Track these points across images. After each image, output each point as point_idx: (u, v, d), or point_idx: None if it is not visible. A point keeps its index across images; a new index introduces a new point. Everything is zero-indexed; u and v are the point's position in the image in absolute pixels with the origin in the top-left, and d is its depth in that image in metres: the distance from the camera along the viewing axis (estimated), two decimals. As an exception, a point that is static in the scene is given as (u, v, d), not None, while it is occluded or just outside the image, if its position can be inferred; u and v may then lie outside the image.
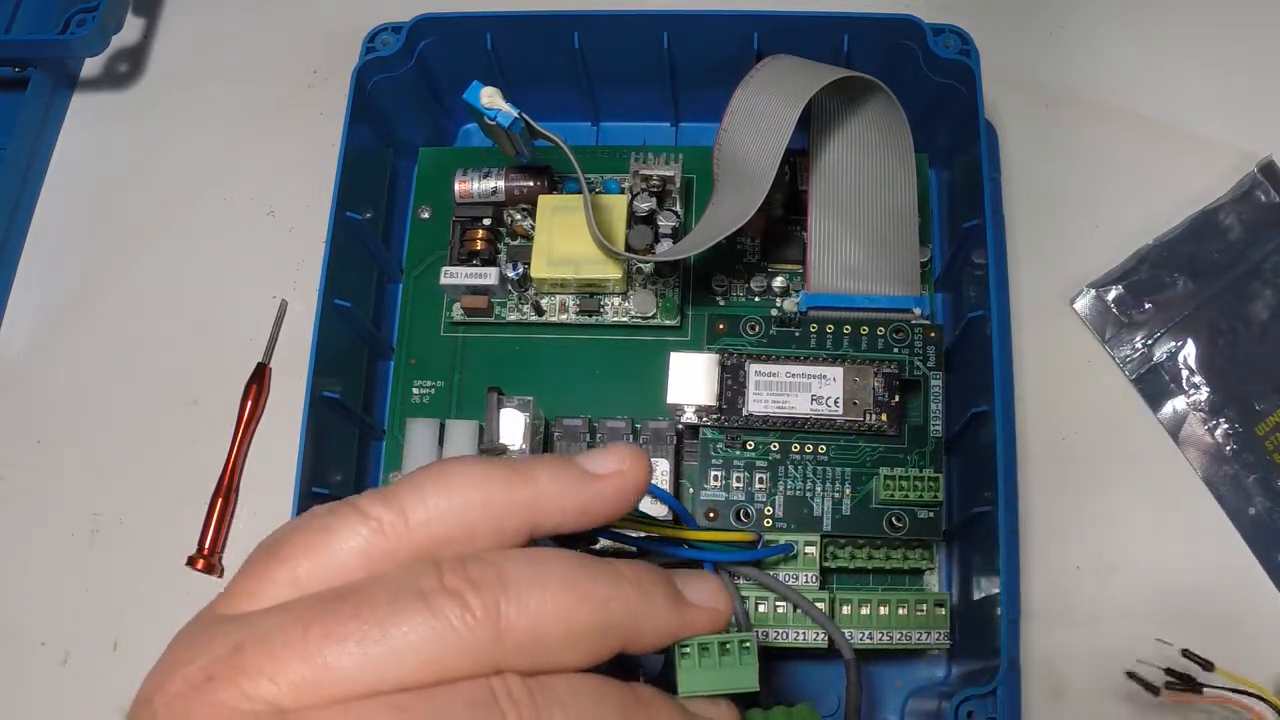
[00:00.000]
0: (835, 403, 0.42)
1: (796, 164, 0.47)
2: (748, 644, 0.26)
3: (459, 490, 0.25)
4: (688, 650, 0.26)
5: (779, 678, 0.43)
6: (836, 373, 0.43)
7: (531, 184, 0.47)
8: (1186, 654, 0.42)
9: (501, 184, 0.48)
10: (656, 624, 0.25)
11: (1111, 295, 0.50)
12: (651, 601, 0.25)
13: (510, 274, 0.47)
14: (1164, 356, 0.49)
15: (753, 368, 0.43)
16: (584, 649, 0.24)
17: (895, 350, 0.43)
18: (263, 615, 0.23)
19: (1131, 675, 0.43)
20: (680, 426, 0.44)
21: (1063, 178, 0.52)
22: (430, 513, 0.24)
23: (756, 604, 0.39)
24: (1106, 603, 0.45)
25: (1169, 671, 0.42)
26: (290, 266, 0.53)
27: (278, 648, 0.22)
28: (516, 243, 0.48)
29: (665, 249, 0.46)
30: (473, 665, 0.23)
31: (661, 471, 0.43)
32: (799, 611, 0.38)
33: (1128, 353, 0.49)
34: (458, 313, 0.47)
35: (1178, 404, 0.48)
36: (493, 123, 0.42)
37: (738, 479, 0.42)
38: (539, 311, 0.47)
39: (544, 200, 0.47)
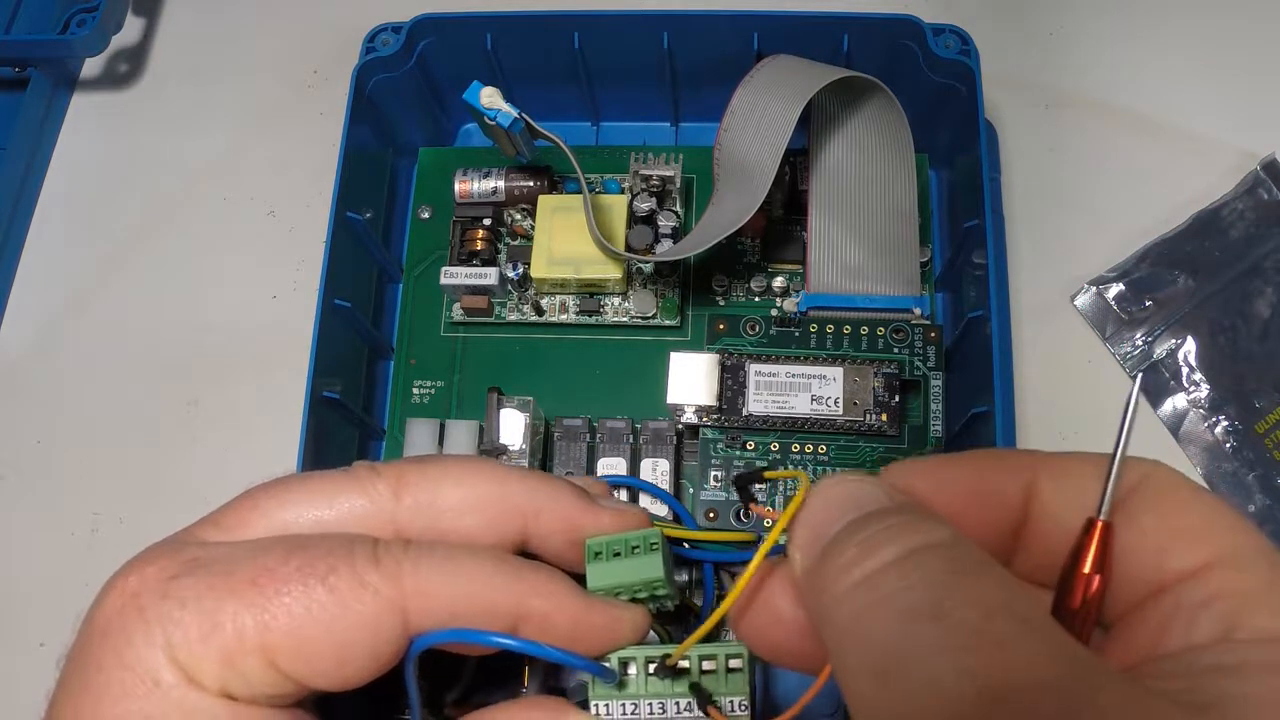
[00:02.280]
0: (835, 403, 0.42)
1: (796, 164, 0.47)
2: (654, 541, 0.27)
3: (468, 489, 0.27)
4: (599, 552, 0.27)
5: (779, 676, 0.43)
6: (836, 373, 0.43)
7: (531, 184, 0.47)
8: None
9: (501, 184, 0.48)
10: (558, 508, 0.27)
11: (1112, 293, 0.50)
12: (552, 486, 0.27)
13: (510, 274, 0.47)
14: (1164, 354, 0.49)
15: (753, 368, 0.43)
16: (482, 516, 0.26)
17: (895, 350, 0.43)
18: (220, 549, 0.24)
19: None
20: (680, 426, 0.44)
21: (1063, 178, 0.52)
22: (427, 507, 0.26)
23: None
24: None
25: None
26: (290, 266, 0.53)
27: (204, 589, 0.23)
28: (516, 243, 0.48)
29: (665, 249, 0.46)
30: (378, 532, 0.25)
31: (661, 472, 0.43)
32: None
33: (1128, 350, 0.49)
34: (458, 313, 0.47)
35: (1178, 401, 0.48)
36: (493, 123, 0.42)
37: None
38: (539, 311, 0.47)
39: (544, 200, 0.47)
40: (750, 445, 0.43)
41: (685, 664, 0.27)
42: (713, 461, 0.43)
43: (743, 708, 0.27)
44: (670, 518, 0.41)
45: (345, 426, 0.46)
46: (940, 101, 0.47)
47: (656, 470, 0.43)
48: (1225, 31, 0.55)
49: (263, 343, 0.52)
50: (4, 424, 0.52)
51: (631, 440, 0.44)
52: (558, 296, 0.47)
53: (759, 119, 0.43)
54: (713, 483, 0.43)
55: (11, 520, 0.50)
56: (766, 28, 0.46)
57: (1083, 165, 0.53)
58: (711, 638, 0.27)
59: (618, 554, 0.27)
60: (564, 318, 0.47)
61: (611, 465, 0.43)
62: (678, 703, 0.27)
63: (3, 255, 0.54)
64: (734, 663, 0.27)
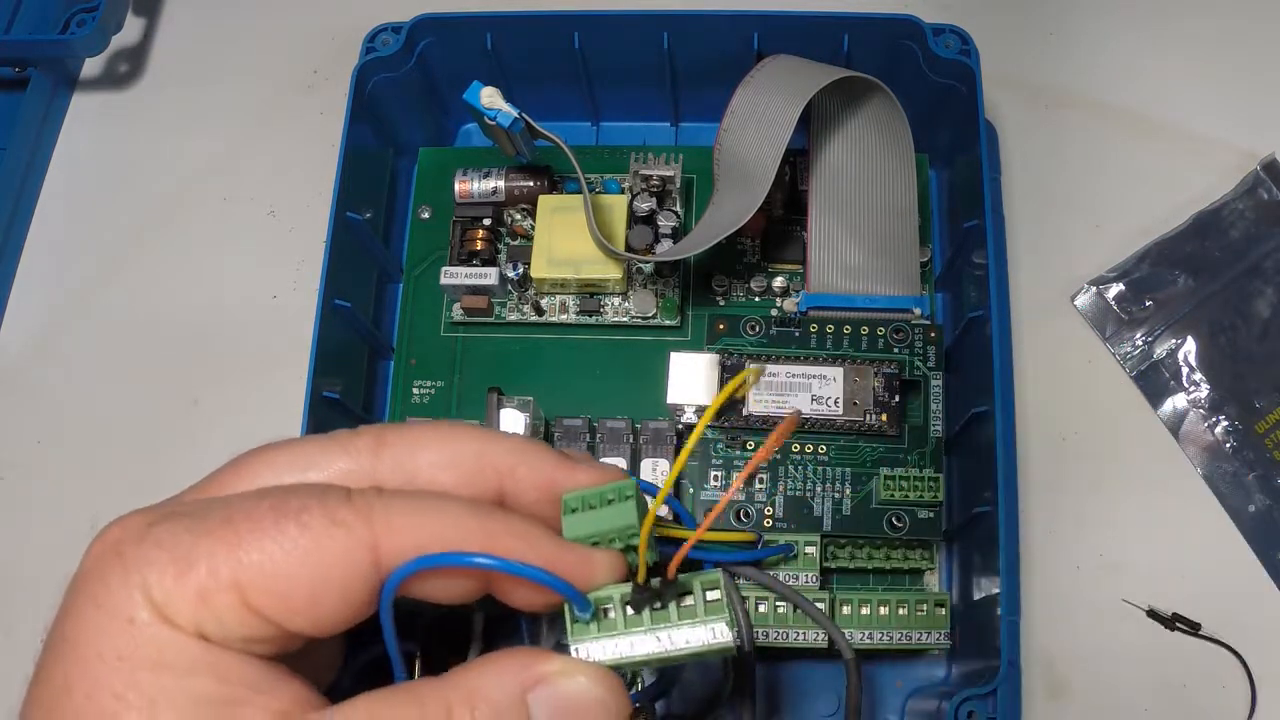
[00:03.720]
0: (835, 403, 0.42)
1: (796, 164, 0.47)
2: (629, 492, 0.27)
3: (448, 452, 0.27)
4: (575, 507, 0.27)
5: (779, 677, 0.43)
6: (836, 373, 0.43)
7: (531, 184, 0.47)
8: (1177, 616, 0.45)
9: (501, 184, 0.48)
10: (534, 464, 0.27)
11: (1112, 293, 0.50)
12: (529, 446, 0.28)
13: (510, 274, 0.47)
14: (1164, 354, 0.49)
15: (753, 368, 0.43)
16: (459, 472, 0.27)
17: (895, 350, 0.43)
18: (200, 500, 0.25)
19: (1151, 613, 0.45)
20: (680, 426, 0.44)
21: (1063, 178, 0.52)
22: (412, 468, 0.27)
23: (757, 604, 0.39)
24: (1106, 602, 0.45)
25: (1176, 615, 0.45)
26: (290, 266, 0.53)
27: (181, 530, 0.24)
28: (516, 243, 0.48)
29: (665, 249, 0.46)
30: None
31: (661, 471, 0.43)
32: (799, 611, 0.38)
33: (1128, 350, 0.49)
34: (458, 313, 0.47)
35: (1178, 401, 0.48)
36: (493, 123, 0.42)
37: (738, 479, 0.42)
38: (539, 311, 0.47)
39: (544, 200, 0.47)
40: (750, 445, 0.43)
41: (659, 585, 0.27)
42: (713, 461, 0.43)
43: (722, 633, 0.27)
44: (670, 518, 0.41)
45: (345, 426, 0.46)
46: (940, 101, 0.47)
47: (656, 470, 0.43)
48: (1225, 31, 0.55)
49: (263, 343, 0.52)
50: (4, 424, 0.52)
51: (631, 440, 0.44)
52: (558, 296, 0.47)
53: (759, 119, 0.43)
54: (713, 483, 0.43)
55: (12, 520, 0.50)
56: (766, 28, 0.46)
57: (1083, 165, 0.53)
58: (686, 569, 0.27)
59: (593, 507, 0.27)
60: (564, 318, 0.47)
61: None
62: (658, 636, 0.27)
63: (3, 255, 0.54)
64: (711, 594, 0.27)
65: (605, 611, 0.27)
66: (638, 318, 0.47)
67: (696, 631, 0.26)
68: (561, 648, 0.30)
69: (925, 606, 0.40)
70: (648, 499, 0.29)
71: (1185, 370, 0.49)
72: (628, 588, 0.27)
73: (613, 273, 0.45)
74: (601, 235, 0.44)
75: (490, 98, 0.42)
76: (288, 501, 0.24)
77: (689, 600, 0.27)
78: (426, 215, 0.50)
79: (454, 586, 0.26)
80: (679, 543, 0.35)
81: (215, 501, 0.25)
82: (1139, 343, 0.49)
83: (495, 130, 0.43)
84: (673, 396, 0.42)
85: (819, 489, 0.42)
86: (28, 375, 0.53)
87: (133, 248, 0.55)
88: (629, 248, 0.46)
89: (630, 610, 0.27)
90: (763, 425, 0.42)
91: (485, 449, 0.27)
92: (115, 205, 0.56)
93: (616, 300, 0.47)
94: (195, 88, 0.58)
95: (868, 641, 0.40)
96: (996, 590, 0.38)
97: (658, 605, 0.27)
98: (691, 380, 0.42)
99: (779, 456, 0.43)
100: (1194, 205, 0.51)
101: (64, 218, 0.56)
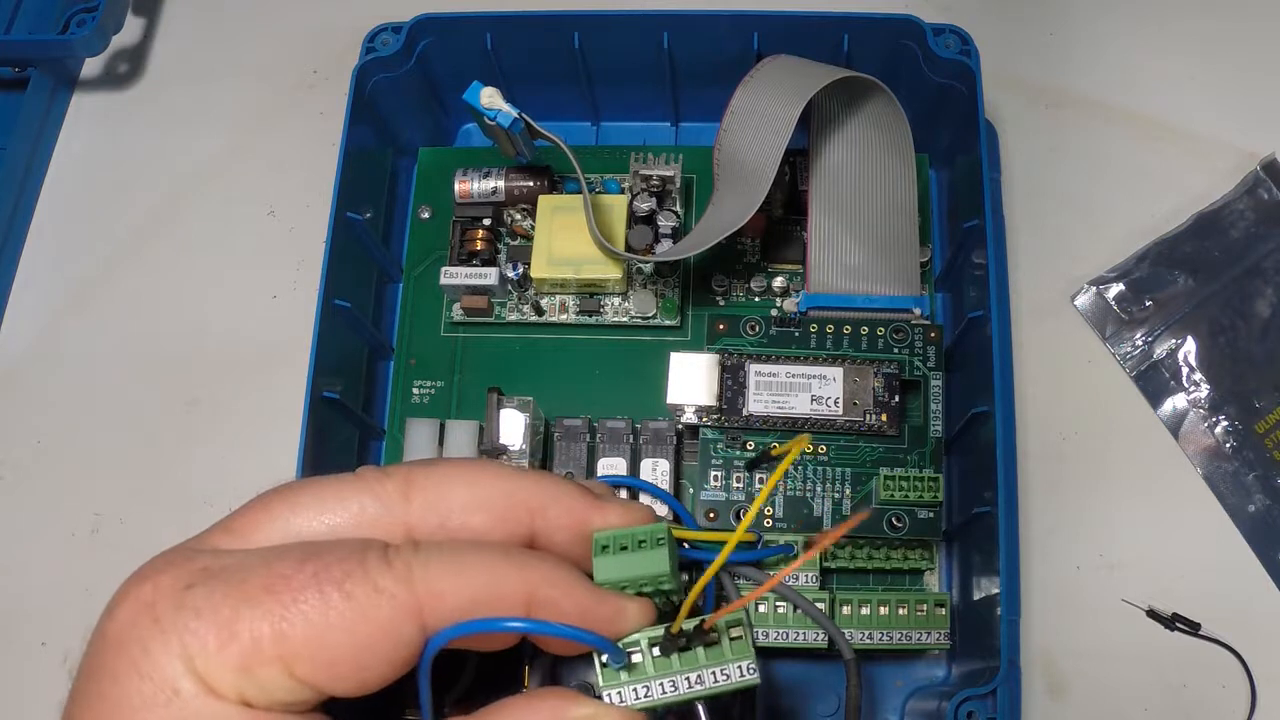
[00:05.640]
0: (835, 403, 0.42)
1: (796, 164, 0.47)
2: (661, 536, 0.28)
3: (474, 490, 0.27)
4: (606, 545, 0.28)
5: (779, 678, 0.43)
6: (836, 373, 0.43)
7: (531, 184, 0.47)
8: (1177, 616, 0.45)
9: (501, 184, 0.48)
10: (564, 504, 0.28)
11: (1112, 293, 0.50)
12: (559, 485, 0.28)
13: (510, 274, 0.47)
14: (1164, 354, 0.49)
15: (753, 368, 0.43)
16: (490, 514, 0.27)
17: (895, 350, 0.43)
18: (234, 557, 0.24)
19: (1151, 613, 0.45)
20: (680, 426, 0.44)
21: (1063, 178, 0.52)
22: (440, 514, 0.26)
23: (757, 604, 0.39)
24: (1106, 602, 0.45)
25: (1176, 615, 0.45)
26: (290, 266, 0.53)
27: (219, 597, 0.23)
28: (516, 243, 0.48)
29: (665, 249, 0.46)
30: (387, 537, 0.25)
31: (661, 472, 0.43)
32: (799, 611, 0.38)
33: (1128, 350, 0.49)
34: (458, 313, 0.47)
35: (1178, 401, 0.48)
36: (493, 123, 0.42)
37: (738, 479, 0.42)
38: (539, 311, 0.47)
39: (544, 200, 0.47)
40: (750, 445, 0.43)
41: (687, 630, 0.27)
42: (713, 461, 0.43)
43: (750, 671, 0.27)
44: (670, 518, 0.41)
45: (345, 426, 0.46)
46: (940, 101, 0.47)
47: (656, 470, 0.43)
48: (1225, 31, 0.55)
49: (263, 343, 0.52)
50: (4, 424, 0.52)
51: (631, 440, 0.44)
52: (558, 296, 0.47)
53: (759, 119, 0.43)
54: (713, 483, 0.43)
55: (11, 520, 0.50)
56: (766, 28, 0.46)
57: (1083, 165, 0.53)
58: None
59: (624, 548, 0.28)
60: (564, 318, 0.47)
61: (611, 465, 0.43)
62: (687, 678, 0.27)
63: (3, 255, 0.54)
64: (734, 631, 0.27)
65: (632, 655, 0.27)
66: (638, 318, 0.47)
67: (726, 671, 0.27)
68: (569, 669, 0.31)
69: (925, 606, 0.40)
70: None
71: (1185, 370, 0.49)
72: (655, 631, 0.27)
73: (613, 273, 0.45)
74: (601, 235, 0.44)
75: (490, 98, 0.42)
76: (330, 568, 0.23)
77: (714, 640, 0.27)
78: (426, 215, 0.50)
79: (494, 639, 0.26)
80: (679, 542, 0.36)
81: (252, 560, 0.24)
82: (1139, 343, 0.49)
83: (495, 130, 0.43)
84: (673, 396, 0.42)
85: (819, 489, 0.42)
86: (28, 375, 0.53)
87: (133, 248, 0.55)
88: (629, 248, 0.46)
89: (658, 652, 0.27)
90: (762, 425, 0.42)
91: (514, 489, 0.27)
92: (115, 205, 0.56)
93: (616, 300, 0.47)
94: (195, 88, 0.58)
95: (868, 641, 0.40)
96: (996, 590, 0.38)
97: (685, 647, 0.27)
98: (691, 380, 0.42)
99: (778, 457, 0.43)
100: (1194, 205, 0.51)
101: (64, 218, 0.56)
